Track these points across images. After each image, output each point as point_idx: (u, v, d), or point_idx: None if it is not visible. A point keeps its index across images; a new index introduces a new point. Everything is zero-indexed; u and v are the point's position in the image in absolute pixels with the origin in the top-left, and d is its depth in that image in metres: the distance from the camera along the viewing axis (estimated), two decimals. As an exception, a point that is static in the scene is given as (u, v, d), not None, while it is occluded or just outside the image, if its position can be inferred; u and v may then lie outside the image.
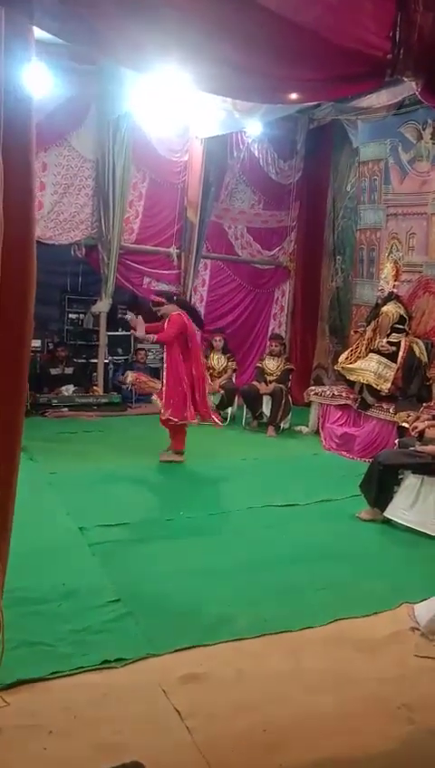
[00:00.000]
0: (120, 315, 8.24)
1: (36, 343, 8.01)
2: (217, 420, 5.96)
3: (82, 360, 8.45)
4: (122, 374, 8.19)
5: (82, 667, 2.71)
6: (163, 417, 5.76)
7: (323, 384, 8.11)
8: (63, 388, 7.75)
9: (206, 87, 2.57)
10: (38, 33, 2.12)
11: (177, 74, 2.20)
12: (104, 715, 2.46)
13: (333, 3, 1.99)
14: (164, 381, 5.77)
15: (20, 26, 1.84)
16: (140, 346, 8.65)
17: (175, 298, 5.98)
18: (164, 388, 5.75)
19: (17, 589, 3.27)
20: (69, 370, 8.05)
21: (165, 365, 5.81)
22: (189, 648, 2.92)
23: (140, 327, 5.81)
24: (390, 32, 1.99)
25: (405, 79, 2.14)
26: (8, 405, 1.96)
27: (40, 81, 6.25)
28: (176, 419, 5.68)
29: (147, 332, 5.80)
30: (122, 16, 1.99)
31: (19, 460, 2.11)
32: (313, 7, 1.96)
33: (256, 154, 8.46)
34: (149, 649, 2.88)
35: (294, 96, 2.25)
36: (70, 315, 8.82)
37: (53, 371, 8.00)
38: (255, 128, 7.70)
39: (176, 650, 2.89)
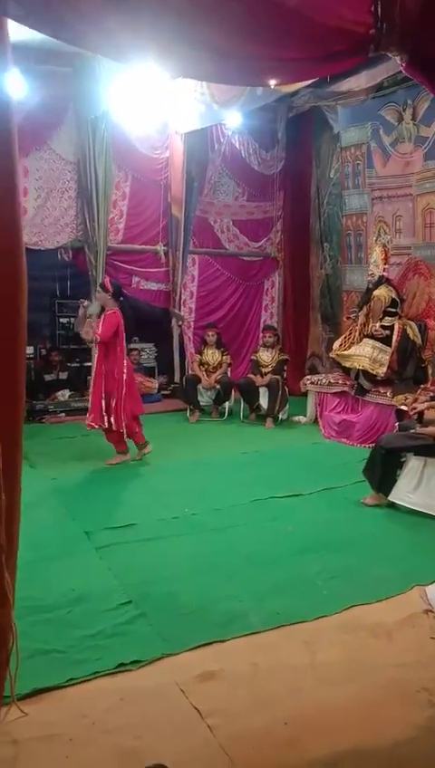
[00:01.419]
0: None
1: (29, 350, 7.96)
2: (135, 431, 5.70)
3: (76, 364, 8.39)
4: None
5: (98, 672, 2.68)
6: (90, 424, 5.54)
7: (319, 372, 8.08)
8: (59, 393, 7.71)
9: (187, 73, 2.53)
10: (12, 34, 2.07)
11: (156, 62, 2.15)
12: (123, 719, 2.43)
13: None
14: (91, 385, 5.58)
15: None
16: (132, 346, 8.58)
17: (121, 298, 5.68)
18: (91, 391, 5.57)
19: (26, 597, 3.24)
20: (63, 375, 8.01)
21: (94, 367, 5.58)
22: (204, 645, 2.90)
23: (84, 324, 5.56)
24: (371, 6, 1.95)
25: (389, 54, 2.10)
26: (7, 412, 1.92)
27: (14, 84, 6.17)
28: (95, 425, 5.51)
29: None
30: (97, 3, 1.95)
31: (21, 469, 2.07)
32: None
33: (237, 146, 8.42)
34: (164, 649, 2.85)
35: (276, 77, 2.21)
36: (60, 320, 8.75)
37: (48, 377, 7.95)
38: (234, 119, 7.66)
39: (191, 649, 2.86)
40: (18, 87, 6.22)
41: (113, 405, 5.48)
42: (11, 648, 2.04)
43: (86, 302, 5.75)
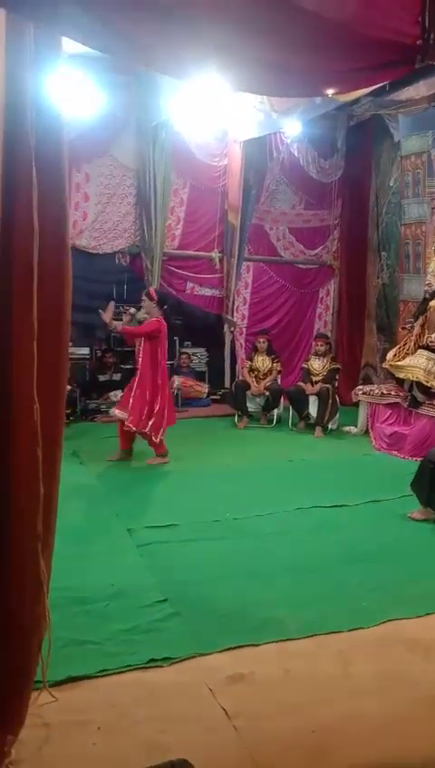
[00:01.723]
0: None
1: (85, 351, 8.19)
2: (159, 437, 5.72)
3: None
4: (169, 378, 8.26)
5: (130, 666, 2.74)
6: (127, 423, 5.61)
7: (372, 383, 7.97)
8: (112, 393, 7.87)
9: (244, 87, 2.59)
10: (74, 46, 2.18)
11: (215, 78, 2.23)
12: (151, 712, 2.48)
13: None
14: (134, 386, 5.64)
15: (49, 39, 1.89)
16: (183, 350, 8.71)
17: (165, 306, 5.78)
18: (133, 394, 5.61)
19: (67, 588, 3.35)
20: (117, 376, 8.18)
21: (138, 369, 5.69)
22: (236, 648, 2.91)
23: (108, 312, 5.63)
24: (419, 17, 1.95)
25: (436, 64, 2.09)
26: (49, 408, 2.01)
27: (80, 93, 6.41)
28: (133, 427, 5.57)
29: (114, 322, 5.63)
30: (156, 23, 2.02)
31: (60, 463, 2.16)
32: (345, 1, 1.95)
33: (296, 154, 8.41)
34: (196, 649, 2.88)
35: (326, 89, 2.23)
36: (115, 322, 8.93)
37: (102, 378, 8.15)
38: (293, 128, 7.65)
39: (222, 650, 2.88)
40: (84, 95, 6.44)
41: (156, 410, 5.59)
42: (44, 635, 2.12)
43: (132, 310, 5.89)
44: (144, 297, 5.77)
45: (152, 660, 2.79)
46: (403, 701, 2.59)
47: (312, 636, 3.04)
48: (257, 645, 2.94)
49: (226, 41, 2.02)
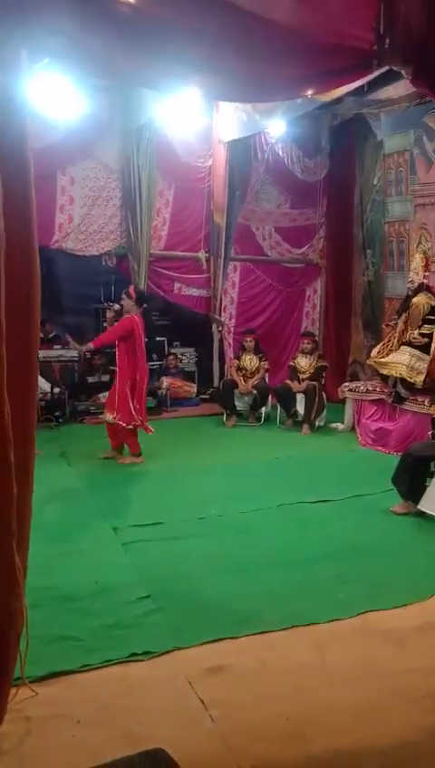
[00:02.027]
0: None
1: (73, 353, 8.21)
2: (150, 428, 5.92)
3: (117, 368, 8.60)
4: (157, 380, 8.33)
5: (111, 660, 2.80)
6: (111, 422, 5.81)
7: (360, 380, 8.04)
8: (101, 395, 7.91)
9: (213, 96, 2.67)
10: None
11: (189, 90, 2.32)
12: (131, 705, 2.54)
13: (318, 4, 2.03)
14: (115, 385, 5.84)
15: (12, 49, 1.94)
16: (172, 351, 8.77)
17: (144, 305, 5.97)
18: (116, 394, 5.79)
19: (52, 587, 3.42)
20: (105, 378, 8.22)
21: (117, 369, 5.87)
22: (216, 640, 2.98)
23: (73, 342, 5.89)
24: (373, 23, 2.01)
25: (394, 68, 2.16)
26: (20, 410, 2.05)
27: (62, 96, 6.46)
28: (124, 424, 5.74)
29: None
30: (129, 46, 2.09)
31: (33, 462, 2.21)
32: (299, 8, 2.01)
33: (281, 153, 8.48)
34: (177, 643, 2.94)
35: (287, 94, 2.30)
36: (104, 324, 8.98)
37: (90, 379, 8.20)
38: (278, 127, 7.74)
39: (202, 643, 2.95)
40: (63, 99, 6.48)
41: (138, 407, 5.73)
42: (21, 630, 2.18)
43: (116, 306, 5.98)
44: (123, 296, 5.88)
45: (133, 655, 2.85)
46: (377, 689, 2.66)
47: (290, 628, 3.10)
48: (236, 637, 3.01)
49: (198, 56, 2.09)
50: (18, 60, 1.93)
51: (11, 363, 1.87)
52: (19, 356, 1.95)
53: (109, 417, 5.84)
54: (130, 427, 5.79)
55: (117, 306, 5.99)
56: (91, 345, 5.87)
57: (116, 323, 5.84)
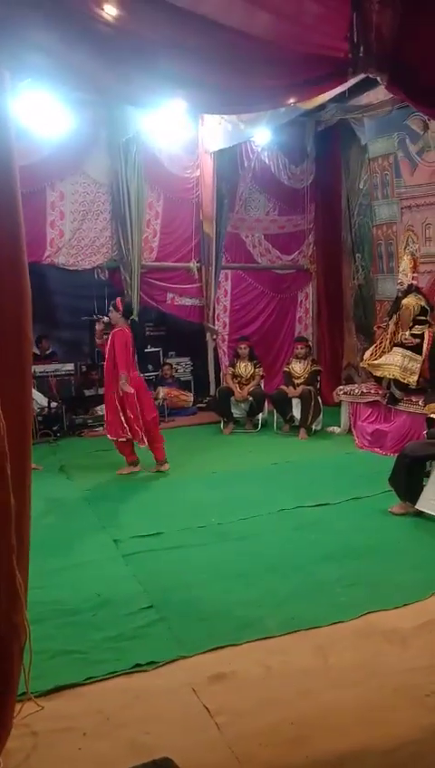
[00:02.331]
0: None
1: (69, 366, 8.26)
2: (143, 441, 5.89)
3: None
4: (154, 390, 8.35)
5: (115, 672, 2.81)
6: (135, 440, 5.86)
7: (355, 383, 8.08)
8: (98, 407, 7.93)
9: (198, 109, 2.71)
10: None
11: (168, 103, 2.36)
12: (136, 715, 2.54)
13: (294, 17, 2.07)
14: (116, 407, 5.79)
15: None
16: (167, 361, 8.80)
17: (130, 318, 6.05)
18: (120, 414, 5.78)
19: (54, 601, 3.43)
20: (102, 391, 8.23)
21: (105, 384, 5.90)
22: (219, 648, 2.99)
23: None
24: (347, 33, 2.06)
25: (370, 75, 2.20)
26: (16, 423, 2.08)
27: (47, 113, 6.52)
28: (112, 437, 5.82)
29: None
30: (106, 60, 2.13)
31: (31, 475, 2.23)
32: (276, 22, 2.06)
33: (267, 161, 8.55)
34: (180, 652, 2.96)
35: (265, 104, 2.34)
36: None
37: (87, 393, 8.21)
38: (263, 136, 7.82)
39: (205, 651, 2.96)
40: (49, 116, 6.54)
41: (132, 417, 5.74)
42: (24, 644, 2.19)
43: (105, 318, 6.02)
44: (111, 308, 5.91)
45: (137, 665, 2.86)
46: (380, 690, 2.67)
47: (292, 632, 3.12)
48: (239, 644, 3.02)
49: (179, 71, 2.14)
50: (2, 79, 1.96)
51: (4, 378, 1.90)
52: (12, 371, 1.98)
53: (114, 438, 5.89)
54: (123, 440, 5.82)
55: (106, 318, 6.02)
56: (124, 373, 5.68)
57: (108, 338, 5.82)
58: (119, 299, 6.04)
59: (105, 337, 5.90)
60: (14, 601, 2.10)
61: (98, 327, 6.04)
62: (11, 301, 1.95)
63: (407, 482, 4.57)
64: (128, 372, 5.72)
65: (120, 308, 5.88)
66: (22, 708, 2.41)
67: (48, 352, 8.76)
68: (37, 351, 8.61)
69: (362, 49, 2.06)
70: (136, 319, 6.14)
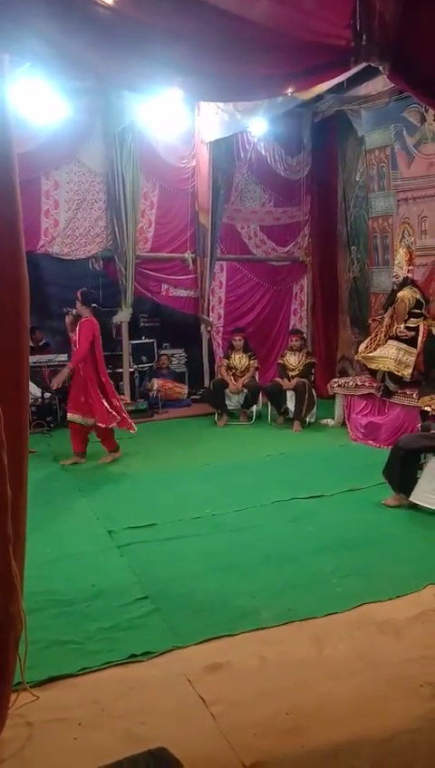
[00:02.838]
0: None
1: (63, 357, 8.20)
2: (133, 426, 6.04)
3: (109, 370, 8.57)
4: (148, 381, 8.33)
5: (110, 663, 2.81)
6: (96, 425, 5.87)
7: (349, 375, 8.08)
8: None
9: (195, 96, 2.68)
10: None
11: (167, 90, 2.34)
12: (131, 706, 2.55)
13: (295, 4, 2.05)
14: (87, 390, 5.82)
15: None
16: (162, 352, 8.77)
17: (93, 305, 5.99)
18: (88, 397, 5.82)
19: (49, 592, 3.43)
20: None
21: (82, 374, 5.84)
22: (214, 639, 2.99)
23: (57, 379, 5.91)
24: (350, 21, 2.03)
25: (372, 64, 2.18)
26: (12, 412, 2.06)
27: (42, 101, 6.45)
28: (103, 425, 5.82)
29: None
30: (106, 46, 2.10)
31: (27, 465, 2.21)
32: (276, 8, 2.03)
33: (263, 152, 8.51)
34: (175, 642, 2.96)
35: (266, 92, 2.31)
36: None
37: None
38: (259, 127, 7.77)
39: (200, 642, 2.96)
40: (44, 104, 6.48)
41: (116, 404, 5.82)
42: (20, 634, 2.18)
43: (74, 311, 5.99)
44: (77, 300, 5.91)
45: (132, 656, 2.86)
46: (375, 680, 2.68)
47: (287, 623, 3.13)
48: (234, 635, 3.03)
49: (178, 57, 2.11)
50: (1, 65, 1.93)
51: (1, 367, 1.88)
52: (10, 360, 1.96)
53: (78, 417, 5.88)
54: (112, 426, 5.87)
55: (74, 311, 6.00)
56: (70, 366, 5.83)
57: (79, 327, 5.81)
58: (80, 290, 5.98)
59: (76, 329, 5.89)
60: (10, 591, 2.09)
61: (67, 320, 6.05)
62: (9, 290, 1.92)
63: (401, 474, 4.58)
64: (75, 366, 5.77)
65: (80, 297, 5.87)
66: (17, 698, 2.41)
67: (41, 344, 8.71)
68: (31, 343, 8.59)
69: (364, 37, 2.03)
70: (97, 306, 6.12)
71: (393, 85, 6.01)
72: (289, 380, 7.36)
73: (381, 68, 2.18)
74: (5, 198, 1.94)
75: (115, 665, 2.80)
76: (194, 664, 2.80)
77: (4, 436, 1.98)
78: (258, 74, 2.16)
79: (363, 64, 2.26)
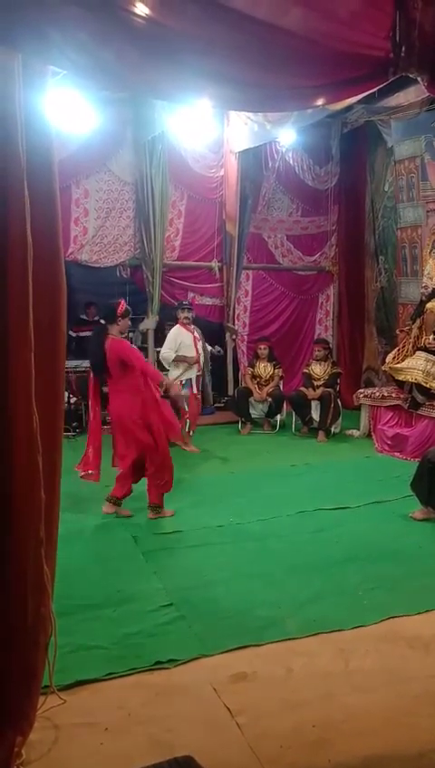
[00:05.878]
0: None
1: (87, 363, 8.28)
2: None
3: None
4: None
5: (136, 669, 2.81)
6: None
7: (374, 386, 8.02)
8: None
9: (225, 106, 2.70)
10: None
11: (198, 100, 2.35)
12: (157, 713, 2.54)
13: (331, 13, 2.05)
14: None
15: (37, 65, 1.99)
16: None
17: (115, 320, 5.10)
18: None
19: (76, 596, 3.45)
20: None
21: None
22: (240, 648, 2.98)
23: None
24: (389, 32, 2.03)
25: (410, 75, 2.18)
26: (48, 418, 2.09)
27: (75, 110, 6.55)
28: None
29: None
30: (139, 55, 2.12)
31: (60, 470, 2.23)
32: (312, 18, 2.04)
33: (292, 162, 8.52)
34: (201, 650, 2.95)
35: (310, 102, 2.32)
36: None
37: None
38: (288, 137, 7.77)
39: (226, 651, 2.95)
40: (77, 113, 6.57)
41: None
42: (49, 636, 2.20)
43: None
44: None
45: (158, 663, 2.86)
46: (402, 695, 2.65)
47: (314, 635, 3.10)
48: (260, 645, 3.01)
49: (209, 66, 2.12)
50: (44, 75, 1.97)
51: (39, 373, 1.91)
52: (47, 366, 1.99)
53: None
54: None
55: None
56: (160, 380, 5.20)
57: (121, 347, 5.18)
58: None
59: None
60: (41, 593, 2.11)
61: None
62: (47, 295, 1.95)
63: (429, 487, 4.52)
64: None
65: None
66: (45, 701, 2.42)
67: (95, 318, 8.60)
68: (85, 317, 8.76)
69: (403, 48, 2.04)
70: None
71: (425, 95, 6.00)
72: (314, 390, 7.32)
73: (419, 79, 2.18)
74: (46, 208, 1.98)
75: (141, 671, 2.81)
76: (219, 672, 2.79)
77: (40, 440, 2.01)
78: (292, 85, 2.17)
79: (397, 75, 2.25)
